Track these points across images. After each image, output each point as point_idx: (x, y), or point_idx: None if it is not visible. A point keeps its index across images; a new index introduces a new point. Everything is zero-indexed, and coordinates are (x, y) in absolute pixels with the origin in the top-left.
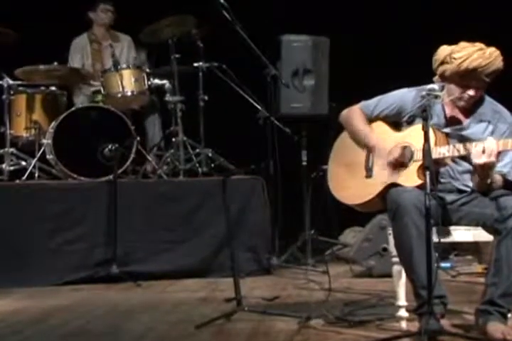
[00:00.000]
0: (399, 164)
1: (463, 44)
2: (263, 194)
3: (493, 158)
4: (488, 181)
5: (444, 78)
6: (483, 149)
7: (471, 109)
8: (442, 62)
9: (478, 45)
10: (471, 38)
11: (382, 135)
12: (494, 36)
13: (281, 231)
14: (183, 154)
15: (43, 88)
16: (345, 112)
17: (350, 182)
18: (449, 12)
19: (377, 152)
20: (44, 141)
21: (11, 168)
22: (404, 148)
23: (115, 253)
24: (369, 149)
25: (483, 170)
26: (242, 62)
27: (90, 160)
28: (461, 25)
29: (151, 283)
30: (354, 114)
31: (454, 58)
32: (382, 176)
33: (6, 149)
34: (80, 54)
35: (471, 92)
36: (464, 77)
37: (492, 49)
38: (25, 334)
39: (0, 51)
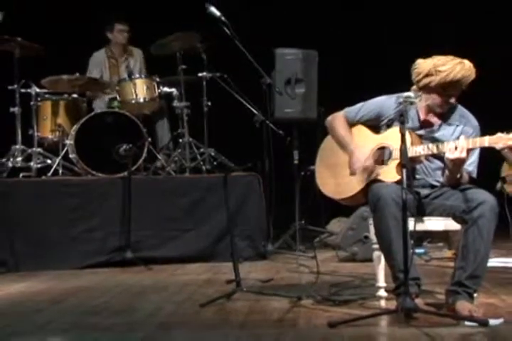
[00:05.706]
0: (379, 162)
1: (439, 57)
2: (259, 189)
3: (463, 154)
4: (458, 176)
5: (427, 88)
6: (455, 146)
7: (442, 114)
8: (427, 75)
9: (454, 58)
10: (449, 46)
11: (362, 138)
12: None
13: (275, 221)
14: (188, 153)
15: (66, 95)
16: (330, 118)
17: (337, 180)
18: (431, 22)
19: (354, 159)
20: (67, 142)
21: (38, 166)
22: (381, 150)
23: (129, 240)
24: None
25: (455, 165)
26: (241, 72)
27: (107, 159)
28: (442, 34)
29: (161, 267)
30: (337, 122)
31: (440, 71)
32: (364, 173)
33: (34, 149)
34: (98, 67)
35: (452, 100)
36: (448, 88)
37: (467, 61)
38: (48, 312)
39: (28, 63)
